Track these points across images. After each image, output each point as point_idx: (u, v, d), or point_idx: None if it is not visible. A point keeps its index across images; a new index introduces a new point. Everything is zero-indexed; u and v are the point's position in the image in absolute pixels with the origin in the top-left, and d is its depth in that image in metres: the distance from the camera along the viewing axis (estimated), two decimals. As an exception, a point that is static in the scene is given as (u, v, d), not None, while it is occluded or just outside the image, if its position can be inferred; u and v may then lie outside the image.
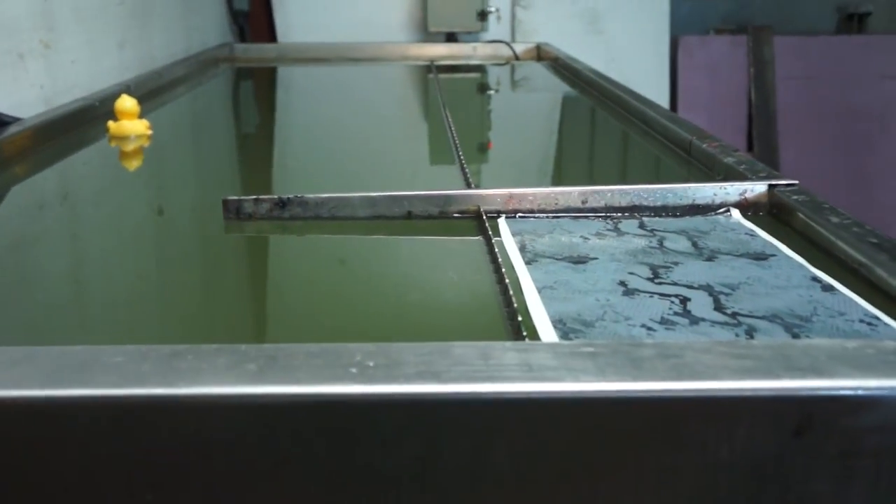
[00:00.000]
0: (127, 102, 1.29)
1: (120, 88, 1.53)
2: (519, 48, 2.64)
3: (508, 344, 0.51)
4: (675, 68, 3.26)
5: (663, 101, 3.09)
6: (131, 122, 1.29)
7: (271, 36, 2.96)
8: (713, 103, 3.27)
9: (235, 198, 0.89)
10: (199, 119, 1.77)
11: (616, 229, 0.84)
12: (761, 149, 3.12)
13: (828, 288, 0.69)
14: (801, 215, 0.83)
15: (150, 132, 1.31)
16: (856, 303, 0.66)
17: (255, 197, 0.88)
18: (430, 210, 0.88)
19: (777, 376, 0.47)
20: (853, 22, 3.47)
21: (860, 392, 0.47)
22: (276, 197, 0.88)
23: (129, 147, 1.27)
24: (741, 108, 3.25)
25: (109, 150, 1.28)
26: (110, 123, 1.29)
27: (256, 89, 2.32)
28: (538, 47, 2.62)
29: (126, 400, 0.45)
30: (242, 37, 2.93)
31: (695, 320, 0.63)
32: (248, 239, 0.89)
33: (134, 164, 1.25)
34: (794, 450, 0.47)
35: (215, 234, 0.89)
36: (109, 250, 0.89)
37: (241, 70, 2.45)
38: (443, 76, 2.27)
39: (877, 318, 0.63)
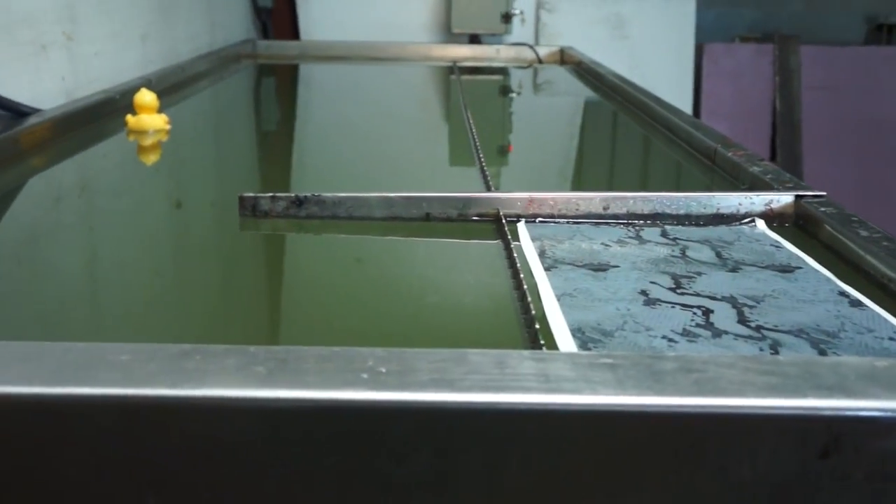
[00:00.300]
0: (146, 97, 1.28)
1: (142, 82, 1.52)
2: (542, 51, 2.63)
3: (525, 353, 0.49)
4: (700, 75, 3.23)
5: (686, 107, 3.07)
6: (150, 117, 1.28)
7: (294, 33, 2.96)
8: (737, 111, 3.23)
9: (252, 195, 0.88)
10: (220, 115, 1.76)
11: (638, 237, 0.83)
12: (785, 159, 3.08)
13: (856, 303, 0.67)
14: (828, 227, 0.81)
15: (168, 127, 1.30)
16: (885, 319, 0.64)
17: (271, 194, 0.87)
18: (448, 212, 0.87)
19: (804, 395, 0.45)
20: (882, 33, 3.43)
21: (890, 413, 0.45)
22: (292, 195, 0.87)
23: (148, 141, 1.27)
24: (765, 118, 3.21)
25: (127, 145, 1.28)
26: (129, 117, 1.29)
27: (277, 86, 2.32)
28: (562, 51, 2.60)
29: (131, 400, 0.44)
30: (266, 33, 2.93)
31: (718, 333, 0.61)
32: (263, 237, 0.88)
33: (151, 159, 1.24)
34: (819, 472, 0.45)
35: (231, 231, 0.88)
36: (123, 245, 0.88)
37: (263, 67, 2.44)
38: (465, 78, 2.26)
39: (906, 336, 0.61)
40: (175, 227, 0.96)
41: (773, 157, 3.14)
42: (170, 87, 1.73)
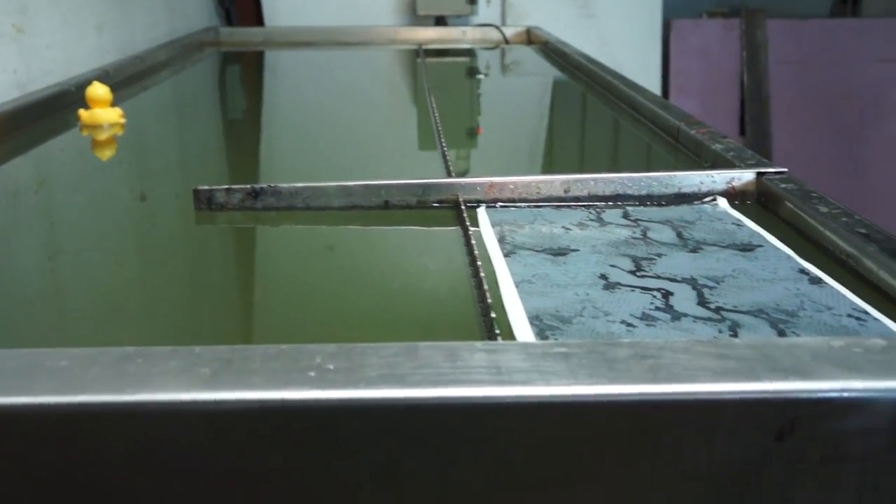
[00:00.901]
0: (99, 90, 1.25)
1: (98, 73, 1.49)
2: (509, 32, 2.61)
3: (478, 344, 0.48)
4: (668, 52, 3.22)
5: (655, 85, 3.06)
6: (104, 111, 1.25)
7: (258, 19, 2.92)
8: (706, 87, 3.23)
9: (207, 188, 0.86)
10: (180, 106, 1.73)
11: (599, 219, 0.82)
12: (753, 133, 3.09)
13: (815, 280, 0.66)
14: (788, 204, 0.81)
15: (123, 120, 1.28)
16: (844, 296, 0.63)
17: (227, 187, 0.86)
18: (407, 199, 0.86)
19: (758, 378, 0.44)
20: (847, 5, 3.44)
21: (846, 394, 0.44)
22: (248, 186, 0.86)
23: (102, 136, 1.24)
24: (734, 93, 3.22)
25: (82, 139, 1.25)
26: (81, 112, 1.26)
27: (241, 74, 2.29)
28: (528, 31, 2.59)
29: (70, 408, 0.43)
30: (229, 20, 2.88)
31: (677, 316, 0.61)
32: (219, 230, 0.86)
33: (106, 154, 1.22)
34: (776, 455, 0.45)
35: (186, 226, 0.87)
36: (75, 243, 0.86)
37: (227, 55, 2.41)
38: (431, 60, 2.24)
39: (865, 312, 0.61)
40: (129, 223, 0.94)
41: (742, 132, 3.15)
42: (128, 79, 1.70)
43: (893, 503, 0.46)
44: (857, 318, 0.60)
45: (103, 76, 1.46)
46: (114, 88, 1.32)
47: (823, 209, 0.76)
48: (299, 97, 1.83)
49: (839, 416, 0.44)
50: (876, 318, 0.60)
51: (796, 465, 0.45)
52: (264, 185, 0.85)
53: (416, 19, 2.85)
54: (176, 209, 0.93)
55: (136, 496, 0.44)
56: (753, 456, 0.45)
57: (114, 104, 1.28)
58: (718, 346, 0.48)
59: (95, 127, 1.25)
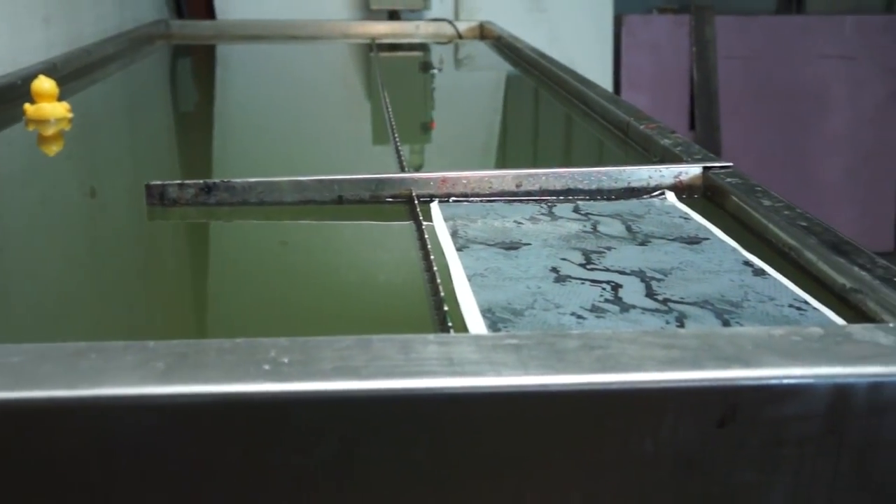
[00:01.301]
0: (44, 84, 1.23)
1: (44, 67, 1.47)
2: (462, 27, 2.62)
3: (430, 337, 0.49)
4: (619, 47, 3.26)
5: (606, 80, 3.10)
6: (50, 105, 1.23)
7: (210, 12, 2.88)
8: (656, 83, 3.28)
9: (159, 183, 0.85)
10: (130, 100, 1.71)
11: (550, 213, 0.83)
12: (703, 128, 3.15)
13: (759, 272, 0.68)
14: (734, 198, 0.83)
15: (70, 115, 1.26)
16: (786, 287, 0.66)
17: (179, 182, 0.85)
18: (360, 194, 0.86)
19: (702, 367, 0.46)
20: (792, 2, 3.51)
21: (785, 381, 0.46)
22: (201, 182, 0.85)
23: (49, 131, 1.22)
24: (684, 88, 3.27)
25: (28, 135, 1.23)
26: (27, 106, 1.24)
27: (192, 68, 2.26)
28: (481, 26, 2.60)
29: (23, 404, 0.43)
30: (179, 13, 2.85)
31: (626, 307, 0.62)
32: (172, 226, 0.86)
33: (53, 149, 1.20)
34: (718, 441, 0.46)
35: (138, 222, 0.86)
36: (22, 240, 0.85)
37: (178, 48, 2.38)
38: (384, 55, 2.24)
39: (806, 302, 0.63)
40: (79, 219, 0.93)
41: (692, 127, 3.20)
42: (76, 72, 1.68)
43: (830, 486, 0.48)
44: (798, 308, 0.62)
45: (50, 69, 1.44)
46: (61, 82, 1.30)
47: (767, 203, 0.79)
48: (252, 92, 1.82)
49: (779, 402, 0.46)
50: (815, 308, 0.62)
51: (738, 450, 0.47)
52: (217, 181, 0.85)
53: (369, 14, 2.85)
54: (127, 205, 0.93)
55: (92, 491, 0.44)
56: (697, 442, 0.46)
57: (60, 98, 1.26)
58: (664, 336, 0.50)
59: (41, 122, 1.23)
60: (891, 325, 0.53)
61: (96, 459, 0.43)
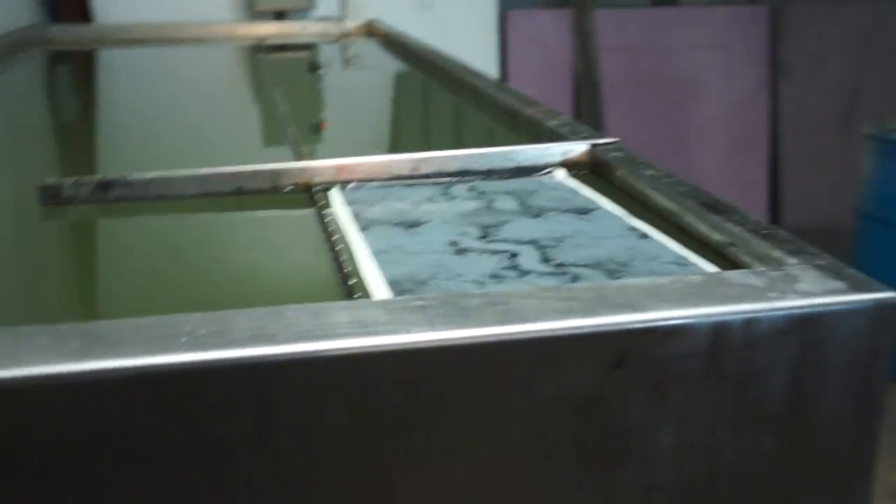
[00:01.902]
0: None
1: (-83, 75, 1.41)
2: (349, 25, 2.63)
3: (340, 304, 0.51)
4: (506, 42, 3.34)
5: (493, 74, 3.16)
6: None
7: (85, 15, 2.81)
8: (542, 76, 3.37)
9: (52, 181, 0.84)
10: (9, 107, 1.66)
11: (447, 193, 0.86)
12: (587, 118, 3.25)
13: (643, 236, 0.73)
14: (618, 171, 0.88)
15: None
16: (668, 248, 0.70)
17: (74, 179, 0.85)
18: (260, 185, 0.87)
19: (595, 314, 0.50)
20: (667, -6, 3.66)
21: (669, 322, 0.50)
22: (97, 179, 0.85)
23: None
24: (568, 80, 3.37)
25: None
26: None
27: (74, 74, 2.20)
28: (368, 24, 2.62)
29: (-63, 389, 0.43)
30: (55, 17, 2.76)
31: (523, 273, 0.66)
32: (68, 224, 0.85)
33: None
34: (613, 382, 0.50)
35: (31, 222, 0.85)
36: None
37: (57, 54, 2.31)
38: (272, 56, 2.23)
39: (686, 259, 0.68)
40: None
41: (577, 117, 3.30)
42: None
43: (714, 419, 0.53)
44: (680, 265, 0.67)
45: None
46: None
47: (649, 173, 0.84)
48: (142, 95, 1.79)
49: (665, 342, 0.50)
50: (694, 263, 0.67)
51: (631, 388, 0.51)
52: (114, 177, 0.85)
53: (254, 14, 2.83)
54: (20, 205, 0.91)
55: (12, 472, 0.44)
56: (594, 384, 0.50)
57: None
58: (560, 290, 0.53)
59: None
60: (760, 269, 0.58)
61: (16, 440, 0.44)
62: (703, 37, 3.46)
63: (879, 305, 0.53)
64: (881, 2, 2.92)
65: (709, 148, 3.48)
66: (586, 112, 3.26)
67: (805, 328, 0.52)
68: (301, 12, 2.85)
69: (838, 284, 0.54)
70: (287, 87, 1.66)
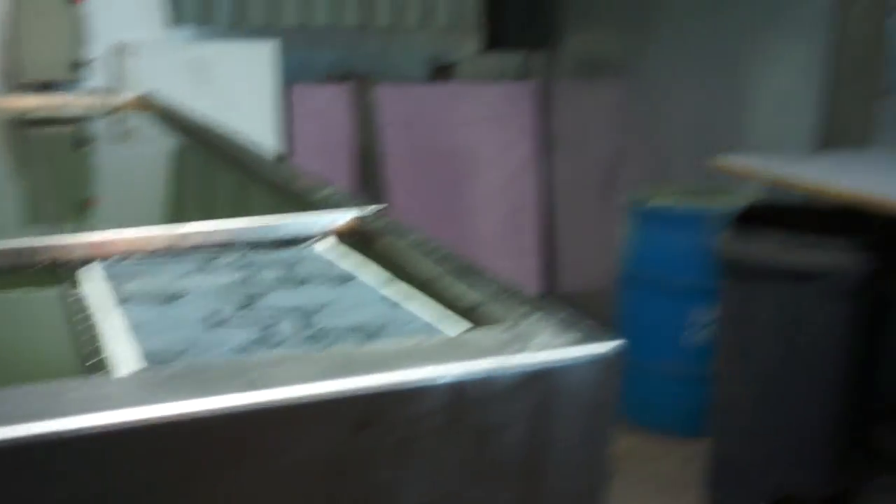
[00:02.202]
0: None
1: None
2: (121, 98, 2.56)
3: (80, 380, 0.49)
4: (292, 114, 3.36)
5: (276, 147, 3.17)
6: None
7: None
8: (327, 148, 3.42)
9: None
10: None
11: (210, 266, 0.86)
12: (370, 191, 3.32)
13: (395, 305, 0.76)
14: (381, 240, 0.91)
15: None
16: (417, 316, 0.73)
17: None
18: (7, 263, 0.83)
19: (337, 377, 0.51)
20: (443, 71, 3.84)
21: (411, 382, 0.52)
22: None
23: None
24: (351, 152, 3.44)
25: None
26: None
27: None
28: (143, 97, 2.56)
29: None
30: None
31: (281, 341, 0.66)
32: None
33: None
34: (360, 443, 0.51)
35: None
36: None
37: None
38: (37, 131, 2.12)
39: (432, 324, 0.71)
40: None
41: (362, 190, 3.36)
42: None
43: (459, 473, 0.55)
44: (428, 330, 0.70)
45: None
46: None
47: (410, 239, 0.87)
48: None
49: (407, 401, 0.52)
50: (440, 330, 0.70)
51: (378, 449, 0.52)
52: None
53: (17, 86, 2.69)
54: None
55: None
56: (341, 447, 0.51)
57: None
58: (305, 356, 0.54)
59: None
60: (501, 327, 0.62)
61: None
62: (478, 111, 3.66)
63: (607, 356, 0.58)
64: (637, 77, 3.22)
65: (485, 217, 3.65)
66: (368, 186, 3.34)
67: (537, 381, 0.56)
68: (70, 84, 2.74)
69: (570, 337, 0.59)
70: (50, 164, 1.59)
